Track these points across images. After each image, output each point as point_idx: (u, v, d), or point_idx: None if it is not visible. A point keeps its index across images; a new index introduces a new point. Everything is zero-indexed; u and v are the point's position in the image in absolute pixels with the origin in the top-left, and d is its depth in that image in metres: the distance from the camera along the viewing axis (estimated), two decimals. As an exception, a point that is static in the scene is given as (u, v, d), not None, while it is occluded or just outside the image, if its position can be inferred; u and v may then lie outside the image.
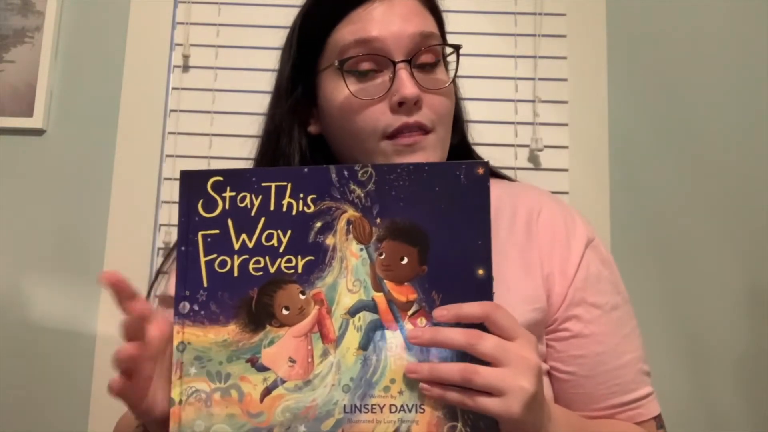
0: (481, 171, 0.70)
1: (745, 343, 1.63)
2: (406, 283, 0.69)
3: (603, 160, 1.69)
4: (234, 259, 0.71)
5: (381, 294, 0.69)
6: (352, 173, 0.71)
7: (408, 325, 0.68)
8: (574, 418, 0.83)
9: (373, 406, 0.68)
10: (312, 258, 0.70)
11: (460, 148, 1.03)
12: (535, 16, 1.75)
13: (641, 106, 1.72)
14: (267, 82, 1.05)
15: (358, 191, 0.70)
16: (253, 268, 0.70)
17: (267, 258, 0.70)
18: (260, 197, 0.71)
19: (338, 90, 0.90)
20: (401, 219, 0.70)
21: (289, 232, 0.70)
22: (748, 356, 1.62)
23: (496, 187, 0.81)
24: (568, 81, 1.72)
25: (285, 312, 0.69)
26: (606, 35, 1.73)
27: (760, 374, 1.61)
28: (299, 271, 0.70)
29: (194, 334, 0.70)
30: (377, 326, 0.69)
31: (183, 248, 0.72)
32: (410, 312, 0.69)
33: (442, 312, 0.67)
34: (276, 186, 0.71)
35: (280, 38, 1.02)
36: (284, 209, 0.71)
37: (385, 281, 0.69)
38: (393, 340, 0.68)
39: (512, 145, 1.71)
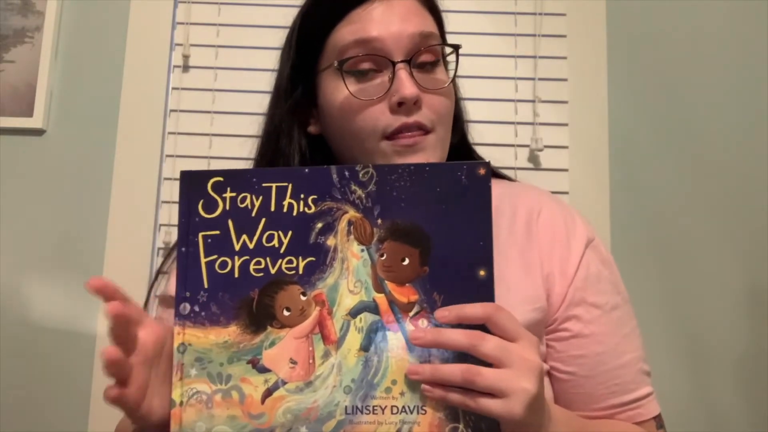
0: (482, 171, 0.70)
1: (745, 343, 1.63)
2: (407, 284, 0.69)
3: (603, 160, 1.69)
4: (235, 260, 0.70)
5: (382, 295, 0.69)
6: (353, 174, 0.71)
7: (409, 326, 0.68)
8: (574, 418, 0.83)
9: (375, 408, 0.68)
10: (313, 259, 0.70)
11: (461, 147, 1.02)
12: (535, 16, 1.74)
13: (641, 106, 1.72)
14: (267, 82, 1.05)
15: (359, 192, 0.70)
16: (254, 269, 0.70)
17: (268, 259, 0.70)
18: (261, 198, 0.71)
19: (338, 90, 0.90)
20: (402, 220, 0.70)
21: (289, 232, 0.70)
22: (748, 356, 1.62)
23: (496, 187, 0.81)
24: (568, 81, 1.72)
25: (286, 313, 0.69)
26: (606, 35, 1.73)
27: (760, 374, 1.61)
28: (300, 272, 0.70)
29: (195, 336, 0.70)
30: (378, 327, 0.69)
31: (183, 249, 0.71)
32: (411, 313, 0.69)
33: (443, 313, 0.67)
34: (277, 186, 0.71)
35: (280, 38, 1.02)
36: (285, 210, 0.71)
37: (386, 282, 0.69)
38: (394, 341, 0.68)
39: (512, 145, 1.71)
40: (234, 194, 0.71)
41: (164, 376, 0.71)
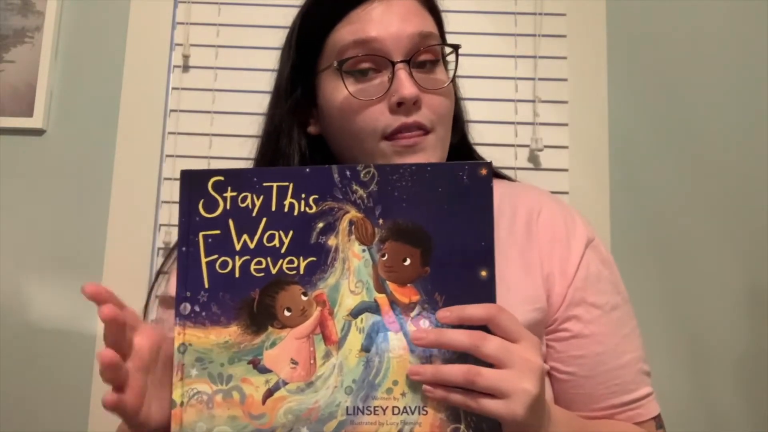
0: (484, 172, 0.70)
1: (745, 343, 1.63)
2: (408, 285, 0.69)
3: (603, 160, 1.69)
4: (235, 259, 0.70)
5: (383, 295, 0.69)
6: (354, 173, 0.70)
7: (411, 327, 0.68)
8: (574, 418, 0.83)
9: (376, 408, 0.68)
10: (314, 259, 0.70)
11: (461, 147, 1.02)
12: (535, 16, 1.74)
13: (641, 106, 1.72)
14: (267, 82, 1.05)
15: (361, 192, 0.70)
16: (255, 269, 0.70)
17: (269, 259, 0.70)
18: (261, 197, 0.71)
19: (337, 90, 0.90)
20: (404, 220, 0.69)
21: (290, 232, 0.70)
22: (748, 356, 1.62)
23: (496, 187, 0.80)
24: (568, 81, 1.72)
25: (287, 313, 0.69)
26: (606, 35, 1.73)
27: (760, 374, 1.62)
28: (301, 272, 0.70)
29: (195, 336, 0.70)
30: (380, 328, 0.68)
31: (184, 249, 0.71)
32: (413, 313, 0.68)
33: (445, 314, 0.67)
34: (278, 186, 0.71)
35: (280, 38, 1.02)
36: (286, 210, 0.70)
37: (387, 282, 0.69)
38: (395, 341, 0.68)
39: (512, 145, 1.71)
40: (235, 194, 0.71)
41: (161, 382, 0.71)
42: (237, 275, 0.70)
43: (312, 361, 0.68)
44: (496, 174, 1.03)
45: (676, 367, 1.62)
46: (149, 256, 1.64)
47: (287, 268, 0.70)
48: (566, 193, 1.67)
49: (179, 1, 1.75)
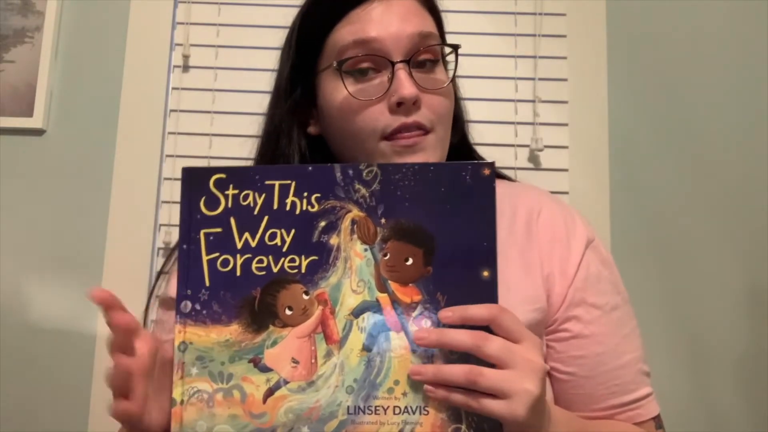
0: (487, 172, 0.70)
1: (745, 343, 1.63)
2: (410, 284, 0.69)
3: (603, 160, 1.69)
4: (236, 258, 0.70)
5: (385, 295, 0.69)
6: (356, 172, 0.70)
7: (412, 327, 0.68)
8: (574, 419, 0.83)
9: (377, 408, 0.68)
10: (316, 258, 0.69)
11: (461, 147, 1.02)
12: (535, 16, 1.75)
13: (641, 106, 1.72)
14: (267, 82, 1.05)
15: (363, 191, 0.70)
16: (256, 268, 0.70)
17: (270, 257, 0.70)
18: (263, 195, 0.71)
19: (337, 91, 0.90)
20: (406, 219, 0.69)
21: (292, 231, 0.70)
22: (748, 356, 1.62)
23: (496, 187, 0.81)
24: (568, 81, 1.72)
25: (288, 312, 0.69)
26: (606, 35, 1.73)
27: (760, 374, 1.62)
28: (303, 270, 0.69)
29: (196, 334, 0.70)
30: (381, 327, 0.68)
31: (185, 246, 0.71)
32: (415, 313, 0.68)
33: (447, 314, 0.67)
34: (280, 184, 0.71)
35: (280, 38, 1.02)
36: (288, 208, 0.70)
37: (389, 282, 0.69)
38: (397, 341, 0.68)
39: (512, 145, 1.71)
40: (236, 191, 0.71)
41: (159, 386, 0.71)
42: (238, 273, 0.70)
43: (313, 361, 0.68)
44: (496, 174, 1.03)
45: (676, 367, 1.62)
46: (149, 256, 1.64)
47: (289, 267, 0.69)
48: (566, 193, 1.67)
49: (179, 1, 1.75)
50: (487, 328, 0.67)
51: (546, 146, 1.69)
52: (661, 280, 1.65)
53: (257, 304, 0.69)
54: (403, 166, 0.70)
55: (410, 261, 0.69)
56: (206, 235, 0.71)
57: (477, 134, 1.09)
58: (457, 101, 1.01)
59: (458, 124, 1.00)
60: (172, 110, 1.71)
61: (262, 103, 1.04)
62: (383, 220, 0.70)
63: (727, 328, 1.64)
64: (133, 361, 0.69)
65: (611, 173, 1.68)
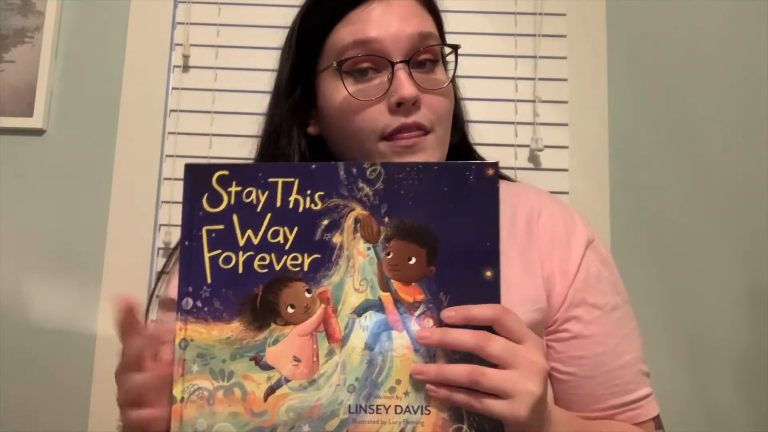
0: (490, 172, 0.69)
1: (745, 343, 1.63)
2: (413, 284, 0.68)
3: (603, 160, 1.69)
4: (239, 255, 0.70)
5: (388, 294, 0.68)
6: (360, 171, 0.70)
7: (415, 326, 0.68)
8: (574, 419, 0.83)
9: (378, 407, 0.67)
10: (318, 256, 0.69)
11: (461, 148, 1.02)
12: (535, 16, 1.75)
13: (641, 106, 1.72)
14: (267, 82, 1.05)
15: (367, 189, 0.70)
16: (259, 265, 0.69)
17: (273, 255, 0.69)
18: (266, 193, 0.70)
19: (337, 91, 0.90)
20: (410, 218, 0.69)
21: (295, 229, 0.70)
22: (748, 356, 1.62)
23: (498, 187, 0.81)
24: (568, 81, 1.72)
25: (290, 310, 0.69)
26: (606, 35, 1.73)
27: (760, 374, 1.62)
28: (305, 269, 0.69)
29: (197, 331, 0.69)
30: (384, 326, 0.68)
31: (186, 243, 0.71)
32: (417, 313, 0.68)
33: (450, 313, 0.67)
34: (283, 182, 0.70)
35: (280, 38, 1.02)
36: (291, 206, 0.70)
37: (392, 281, 0.69)
38: (399, 340, 0.68)
39: (512, 145, 1.71)
40: (239, 188, 0.71)
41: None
42: (240, 271, 0.70)
43: (315, 359, 0.68)
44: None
45: (676, 367, 1.62)
46: (149, 256, 1.64)
47: (291, 265, 0.69)
48: (566, 193, 1.67)
49: (179, 1, 1.75)
50: (489, 328, 0.67)
51: (546, 146, 1.69)
52: (661, 280, 1.65)
53: (259, 302, 0.69)
54: (407, 165, 0.70)
55: (413, 260, 0.69)
56: (208, 232, 0.70)
57: (477, 134, 1.09)
58: (457, 101, 1.01)
59: (458, 124, 1.00)
60: (172, 110, 1.71)
61: (262, 103, 1.04)
62: (386, 219, 0.69)
63: (727, 328, 1.64)
64: (162, 367, 0.69)
65: (611, 173, 1.69)
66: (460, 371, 0.65)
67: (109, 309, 1.51)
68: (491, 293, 0.68)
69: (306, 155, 0.96)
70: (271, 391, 0.68)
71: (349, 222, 0.69)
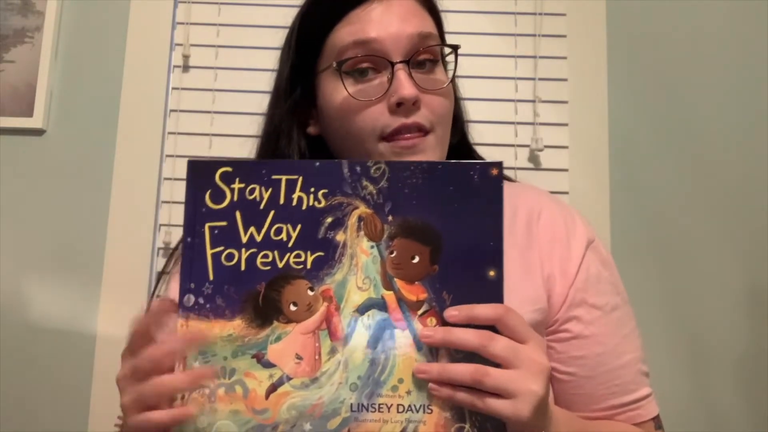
0: (495, 172, 0.69)
1: (745, 343, 1.63)
2: (416, 282, 0.68)
3: (603, 160, 1.69)
4: (241, 252, 0.69)
5: (391, 292, 0.68)
6: (364, 169, 0.70)
7: (417, 325, 0.68)
8: (574, 419, 0.83)
9: (381, 406, 0.67)
10: (321, 254, 0.69)
11: (460, 148, 1.02)
12: (535, 16, 1.75)
13: (641, 106, 1.72)
14: (267, 82, 1.05)
15: (371, 188, 0.69)
16: (261, 263, 0.69)
17: (275, 252, 0.69)
18: (270, 190, 0.70)
19: (337, 91, 0.90)
20: (413, 217, 0.69)
21: (298, 226, 0.69)
22: (748, 356, 1.62)
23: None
24: (568, 81, 1.72)
25: (293, 308, 0.69)
26: (606, 35, 1.73)
27: (760, 374, 1.62)
28: (308, 266, 0.69)
29: (198, 328, 0.70)
30: (386, 325, 0.68)
31: (189, 240, 0.70)
32: (420, 311, 0.68)
33: (453, 312, 0.67)
34: (286, 179, 0.70)
35: (280, 38, 1.02)
36: (294, 203, 0.70)
37: (395, 280, 0.68)
38: (402, 339, 0.68)
39: (512, 145, 1.71)
40: (242, 185, 0.70)
41: None
42: (243, 268, 0.69)
43: (317, 357, 0.68)
44: (500, 175, 1.03)
45: (676, 367, 1.62)
46: (149, 256, 1.64)
47: (294, 263, 0.69)
48: (566, 193, 1.67)
49: (179, 1, 1.75)
50: (492, 328, 0.67)
51: (546, 146, 1.69)
52: (661, 280, 1.65)
53: (261, 299, 0.69)
54: (411, 163, 0.70)
55: (417, 259, 0.69)
56: (211, 228, 0.70)
57: (477, 134, 1.09)
58: (457, 101, 1.01)
59: (458, 124, 1.00)
60: (172, 110, 1.71)
61: (262, 103, 1.04)
62: (390, 218, 0.69)
63: (727, 328, 1.64)
64: (171, 340, 0.69)
65: (611, 173, 1.69)
66: (463, 370, 0.65)
67: (109, 309, 1.51)
68: (494, 293, 0.68)
69: (306, 155, 0.96)
70: (272, 388, 0.68)
71: (352, 220, 0.69)
